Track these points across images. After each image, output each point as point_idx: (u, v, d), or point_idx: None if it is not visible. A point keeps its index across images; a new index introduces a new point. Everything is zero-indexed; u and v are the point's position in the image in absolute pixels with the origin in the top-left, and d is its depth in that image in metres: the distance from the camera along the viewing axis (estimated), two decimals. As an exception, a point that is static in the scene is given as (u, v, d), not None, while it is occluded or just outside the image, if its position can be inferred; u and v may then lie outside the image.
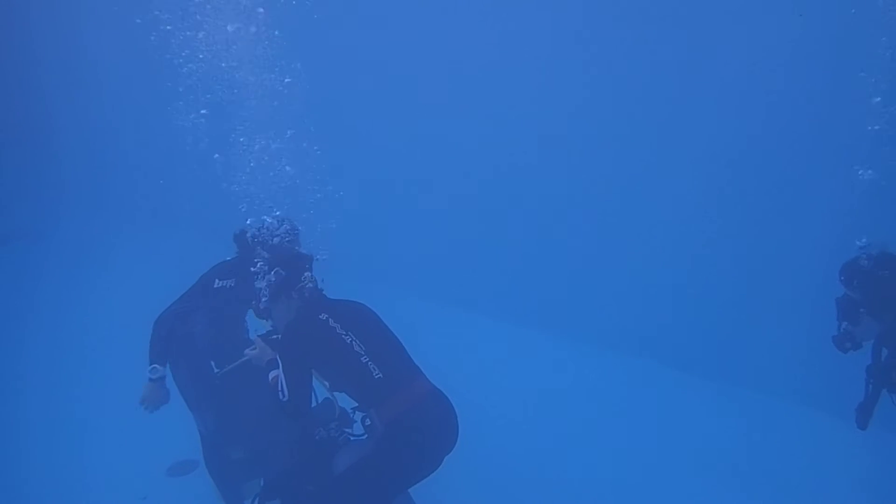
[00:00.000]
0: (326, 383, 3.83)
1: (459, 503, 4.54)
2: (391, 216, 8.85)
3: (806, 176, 6.83)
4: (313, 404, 3.84)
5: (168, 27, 5.96)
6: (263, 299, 3.86)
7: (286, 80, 5.88)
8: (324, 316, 3.62)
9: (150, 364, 4.41)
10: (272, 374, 3.64)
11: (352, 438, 3.83)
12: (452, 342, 6.96)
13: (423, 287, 8.09)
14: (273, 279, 3.78)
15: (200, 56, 5.71)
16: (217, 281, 4.53)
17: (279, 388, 3.51)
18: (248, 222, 4.70)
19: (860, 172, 5.09)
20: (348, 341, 3.54)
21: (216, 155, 6.57)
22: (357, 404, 3.66)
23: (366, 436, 3.70)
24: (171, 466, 5.60)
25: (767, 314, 6.81)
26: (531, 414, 6.47)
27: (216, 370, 4.66)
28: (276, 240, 4.43)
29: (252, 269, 3.93)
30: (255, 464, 4.54)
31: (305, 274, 3.81)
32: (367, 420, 3.61)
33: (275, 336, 3.92)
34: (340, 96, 8.47)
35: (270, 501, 3.77)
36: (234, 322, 4.80)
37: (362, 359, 3.50)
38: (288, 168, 6.09)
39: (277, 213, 4.67)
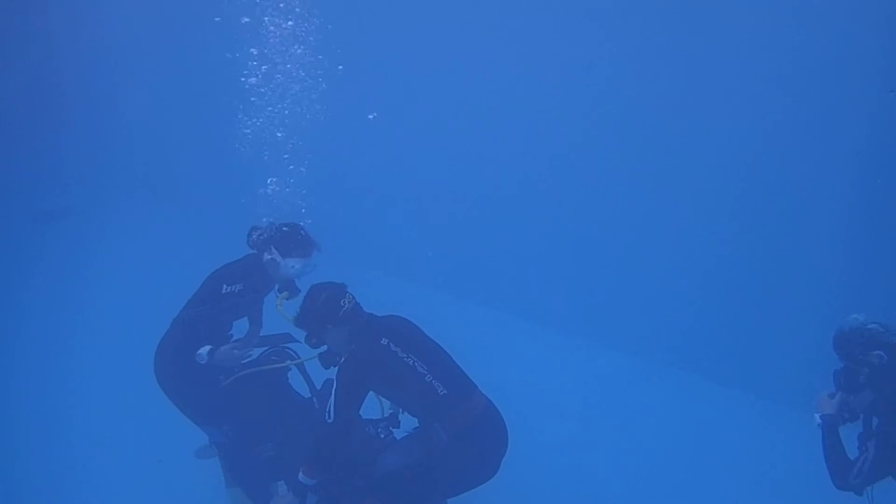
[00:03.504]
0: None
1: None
2: (427, 215, 8.96)
3: (824, 181, 6.93)
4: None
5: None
6: (314, 335, 3.96)
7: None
8: (384, 341, 3.78)
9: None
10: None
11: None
12: (478, 343, 6.96)
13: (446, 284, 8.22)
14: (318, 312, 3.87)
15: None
16: (225, 286, 4.45)
17: (326, 410, 3.68)
18: (263, 220, 4.72)
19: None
20: (411, 363, 3.73)
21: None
22: (418, 420, 3.89)
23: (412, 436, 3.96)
24: (200, 448, 5.55)
25: (788, 322, 6.92)
26: (549, 418, 6.54)
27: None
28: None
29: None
30: (285, 459, 4.58)
31: (342, 299, 3.92)
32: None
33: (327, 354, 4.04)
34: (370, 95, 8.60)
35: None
36: (226, 326, 4.72)
37: (426, 378, 3.72)
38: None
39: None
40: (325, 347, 4.03)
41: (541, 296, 8.19)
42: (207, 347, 4.32)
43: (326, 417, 3.67)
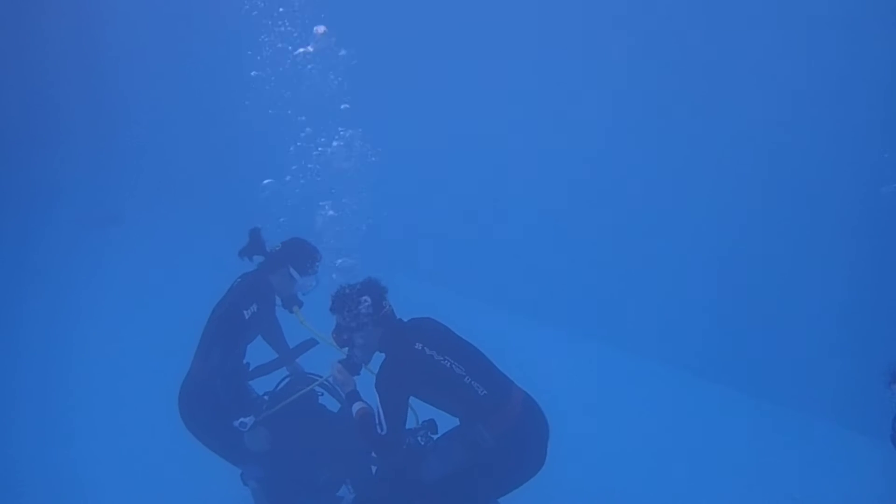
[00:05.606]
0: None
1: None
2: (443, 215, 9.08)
3: (838, 185, 6.98)
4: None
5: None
6: (347, 331, 3.85)
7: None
8: (419, 346, 3.72)
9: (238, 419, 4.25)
10: (356, 408, 3.78)
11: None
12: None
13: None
14: (362, 310, 3.79)
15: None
16: (244, 312, 4.34)
17: (377, 422, 3.63)
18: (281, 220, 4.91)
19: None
20: (448, 366, 3.71)
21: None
22: (460, 421, 3.89)
23: (453, 438, 3.95)
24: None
25: (801, 325, 7.01)
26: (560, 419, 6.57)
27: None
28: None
29: (336, 302, 3.90)
30: (339, 479, 4.63)
31: (384, 301, 3.87)
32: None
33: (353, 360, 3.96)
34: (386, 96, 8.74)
35: None
36: (242, 354, 4.60)
37: (465, 380, 3.71)
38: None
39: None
40: (347, 351, 3.97)
41: (552, 298, 8.25)
42: (252, 419, 4.29)
43: (379, 430, 3.64)
